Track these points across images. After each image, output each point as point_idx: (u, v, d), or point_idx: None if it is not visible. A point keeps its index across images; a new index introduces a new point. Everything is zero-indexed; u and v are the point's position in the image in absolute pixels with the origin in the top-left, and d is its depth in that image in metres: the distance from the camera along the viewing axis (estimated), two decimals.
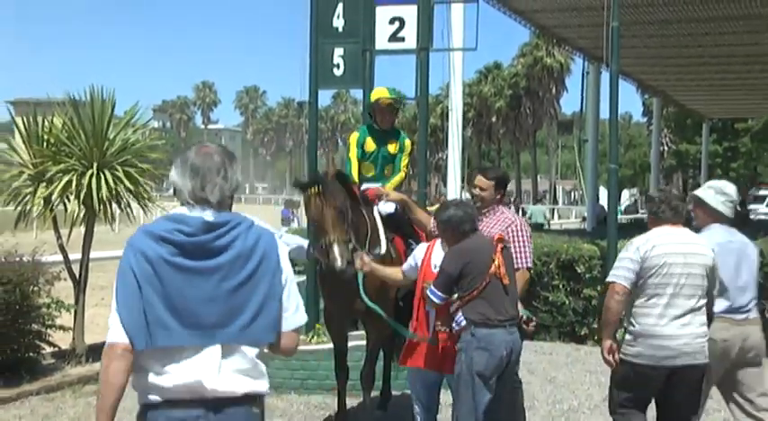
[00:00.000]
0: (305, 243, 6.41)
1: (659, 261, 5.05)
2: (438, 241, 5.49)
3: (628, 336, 5.18)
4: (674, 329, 5.02)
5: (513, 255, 5.66)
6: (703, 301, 5.11)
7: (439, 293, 4.99)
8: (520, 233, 5.85)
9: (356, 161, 7.07)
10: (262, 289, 3.02)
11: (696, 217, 5.80)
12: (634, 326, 5.12)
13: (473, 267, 4.98)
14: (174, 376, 2.92)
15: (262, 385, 3.07)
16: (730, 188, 5.74)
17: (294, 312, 3.12)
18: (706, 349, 5.10)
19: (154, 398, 2.95)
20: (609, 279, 5.20)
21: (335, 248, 5.52)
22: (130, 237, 3.06)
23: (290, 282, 3.14)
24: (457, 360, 5.01)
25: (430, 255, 5.42)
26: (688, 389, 5.16)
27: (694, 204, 5.73)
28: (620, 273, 5.11)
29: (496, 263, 5.00)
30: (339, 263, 5.49)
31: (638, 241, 5.18)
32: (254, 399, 3.05)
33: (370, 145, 7.09)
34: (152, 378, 2.94)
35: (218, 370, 2.94)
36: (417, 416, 5.48)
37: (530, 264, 5.86)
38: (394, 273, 5.76)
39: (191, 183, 3.04)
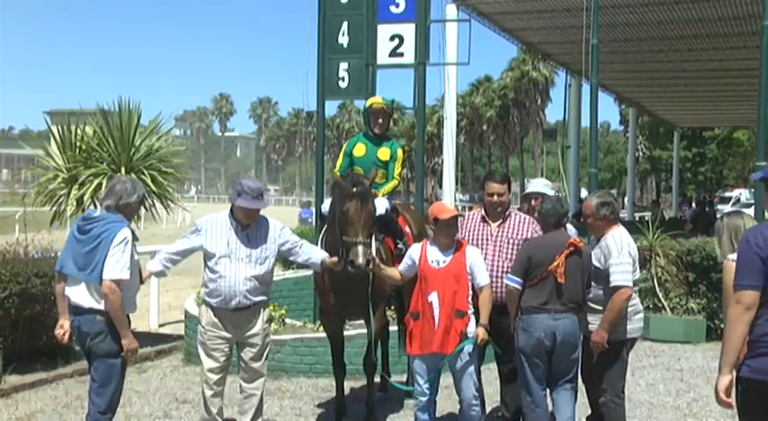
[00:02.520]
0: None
1: (636, 256, 5.41)
2: (428, 241, 5.52)
3: (637, 317, 5.49)
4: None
5: None
6: None
7: (515, 278, 5.22)
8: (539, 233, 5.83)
9: (338, 173, 6.76)
10: (100, 255, 4.88)
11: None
12: (631, 306, 5.40)
13: (535, 261, 5.19)
14: (69, 292, 5.05)
15: (101, 305, 4.91)
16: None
17: (112, 269, 4.85)
18: None
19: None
20: (623, 283, 5.21)
21: (359, 250, 5.42)
22: None
23: (121, 251, 4.87)
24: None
25: (425, 253, 5.42)
26: None
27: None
28: (629, 277, 5.26)
29: (556, 263, 5.12)
30: (361, 260, 5.39)
31: (625, 244, 5.31)
32: (97, 312, 4.94)
33: (360, 149, 6.96)
34: (67, 290, 5.09)
35: (79, 292, 4.98)
36: (418, 396, 5.47)
37: None
38: (393, 273, 5.73)
39: (102, 193, 5.19)
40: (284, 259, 12.04)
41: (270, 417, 6.41)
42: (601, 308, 5.36)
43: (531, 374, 5.25)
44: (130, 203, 5.06)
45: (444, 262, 5.32)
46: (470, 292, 5.37)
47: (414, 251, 5.55)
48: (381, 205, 6.43)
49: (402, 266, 5.66)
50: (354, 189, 5.53)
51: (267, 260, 5.57)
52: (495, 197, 5.74)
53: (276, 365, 7.67)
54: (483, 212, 5.87)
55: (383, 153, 6.92)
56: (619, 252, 5.27)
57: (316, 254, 5.82)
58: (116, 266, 4.84)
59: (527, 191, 6.36)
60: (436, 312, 5.22)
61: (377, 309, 6.13)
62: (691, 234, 12.86)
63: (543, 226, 5.49)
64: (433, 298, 5.24)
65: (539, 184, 6.41)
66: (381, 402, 6.81)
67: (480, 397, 5.60)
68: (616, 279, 5.23)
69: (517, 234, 5.70)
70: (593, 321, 5.39)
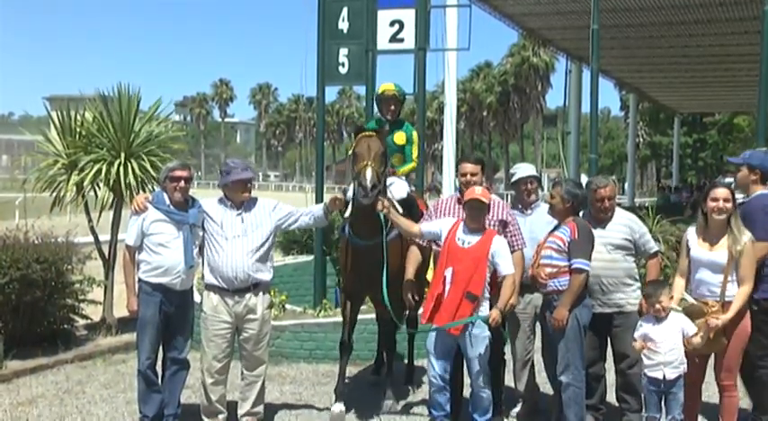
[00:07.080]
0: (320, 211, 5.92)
1: None
2: (462, 221, 5.47)
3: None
4: None
5: (514, 237, 5.68)
6: None
7: (588, 262, 5.27)
8: (513, 216, 5.80)
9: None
10: None
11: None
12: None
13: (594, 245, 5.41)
14: None
15: None
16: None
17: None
18: None
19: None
20: (657, 248, 5.82)
21: (368, 171, 5.39)
22: None
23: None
24: (570, 318, 5.26)
25: (455, 232, 5.41)
26: None
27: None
28: None
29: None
30: (368, 181, 5.33)
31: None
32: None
33: None
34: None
35: None
36: (432, 379, 5.47)
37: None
38: (410, 225, 5.66)
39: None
40: (284, 245, 12.13)
41: (270, 402, 6.43)
42: (632, 282, 5.64)
43: (585, 349, 5.43)
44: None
45: (470, 243, 5.34)
46: (488, 279, 5.33)
47: (445, 223, 5.53)
48: (402, 188, 6.43)
49: (427, 227, 5.60)
50: (378, 127, 5.63)
51: (263, 237, 5.59)
52: (469, 176, 5.72)
53: (276, 351, 7.69)
54: (458, 195, 5.82)
55: (399, 137, 6.95)
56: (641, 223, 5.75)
57: (315, 208, 5.86)
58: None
59: (520, 175, 6.05)
60: (447, 287, 5.26)
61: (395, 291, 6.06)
62: (690, 219, 12.84)
63: (573, 210, 5.42)
64: (448, 273, 5.28)
65: (530, 168, 6.23)
66: (376, 386, 6.81)
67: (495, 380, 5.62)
68: (653, 246, 5.69)
69: (492, 215, 5.63)
70: (623, 298, 5.61)
